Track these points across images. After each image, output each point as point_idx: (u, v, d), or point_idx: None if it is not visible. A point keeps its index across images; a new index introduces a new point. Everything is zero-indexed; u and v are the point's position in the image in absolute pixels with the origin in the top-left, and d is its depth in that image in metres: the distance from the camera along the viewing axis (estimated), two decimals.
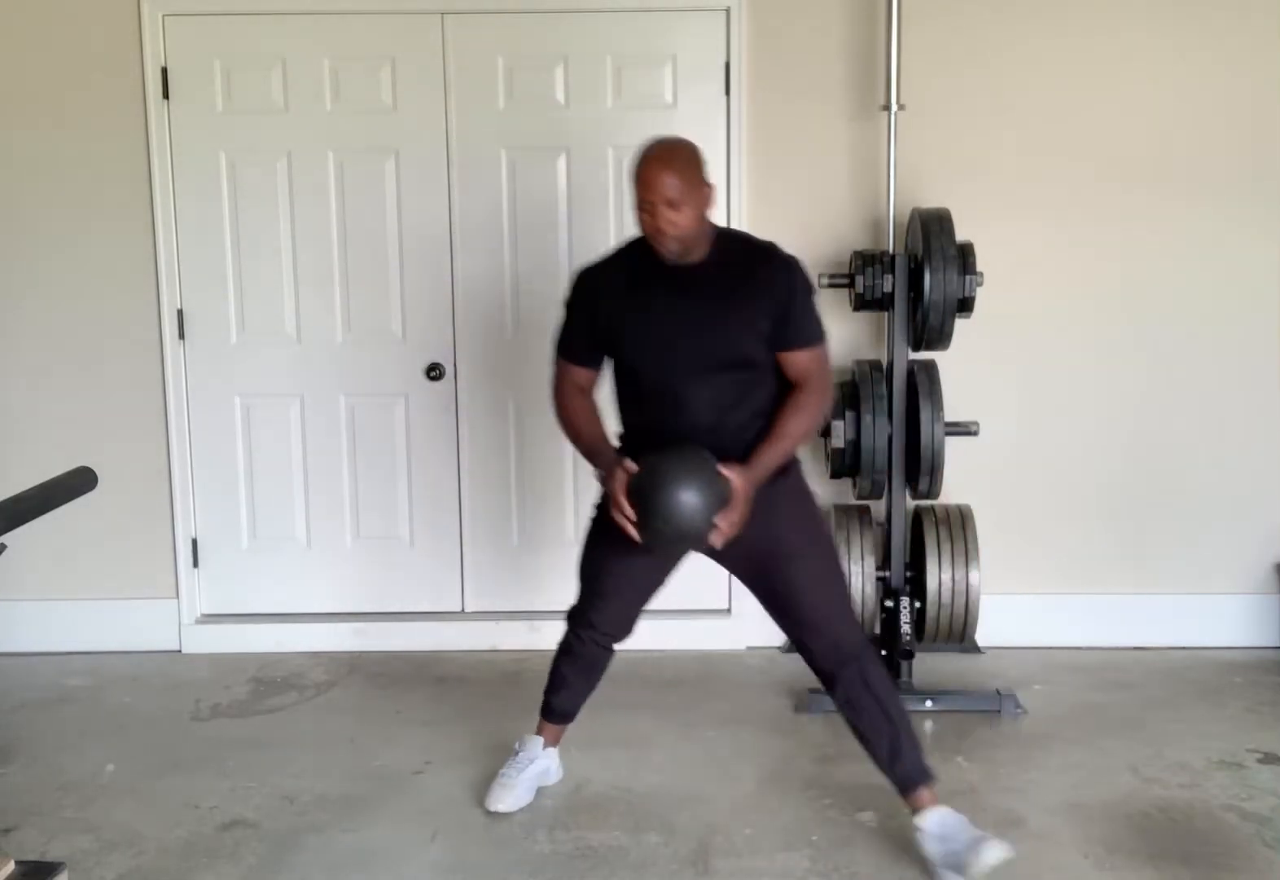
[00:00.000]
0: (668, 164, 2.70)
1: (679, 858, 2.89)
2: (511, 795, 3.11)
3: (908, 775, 2.85)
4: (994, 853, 2.68)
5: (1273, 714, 3.70)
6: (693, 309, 2.79)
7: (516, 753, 3.20)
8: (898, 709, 2.88)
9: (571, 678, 3.15)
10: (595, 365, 2.95)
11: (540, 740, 3.21)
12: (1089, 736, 3.53)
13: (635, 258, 2.87)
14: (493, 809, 3.09)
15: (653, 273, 2.82)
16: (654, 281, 2.82)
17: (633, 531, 2.72)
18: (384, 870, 2.86)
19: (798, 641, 2.93)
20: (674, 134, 2.86)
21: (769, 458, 2.77)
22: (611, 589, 3.02)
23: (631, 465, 2.75)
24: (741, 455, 2.77)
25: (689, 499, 2.62)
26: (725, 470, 2.69)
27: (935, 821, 2.79)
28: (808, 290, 2.86)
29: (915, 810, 2.82)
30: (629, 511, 2.71)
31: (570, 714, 3.22)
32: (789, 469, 2.90)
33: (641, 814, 3.10)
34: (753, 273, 2.81)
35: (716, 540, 2.71)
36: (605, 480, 2.84)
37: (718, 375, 2.80)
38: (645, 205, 2.71)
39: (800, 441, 2.88)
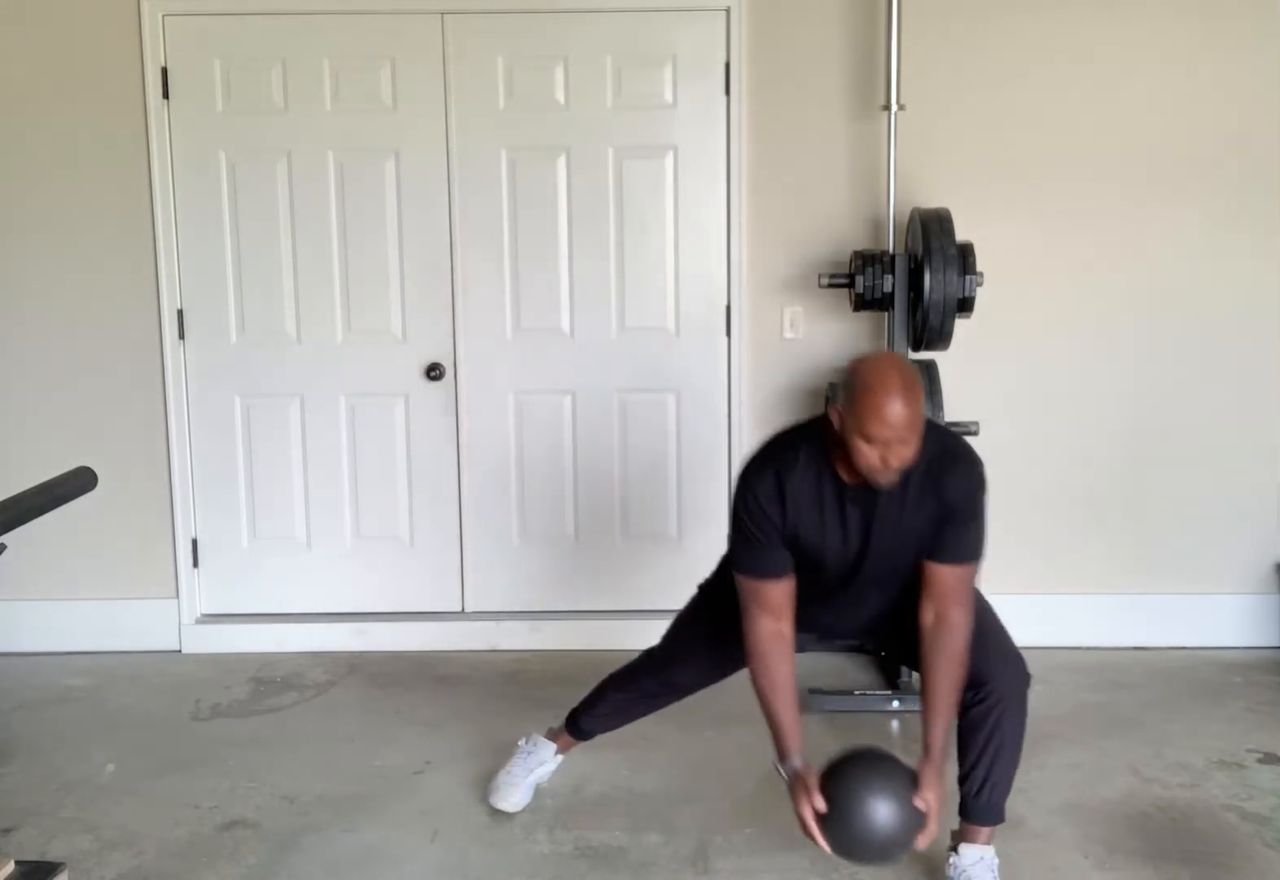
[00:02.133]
0: (907, 399, 2.38)
1: (679, 858, 2.89)
2: (517, 793, 3.09)
3: (981, 808, 2.72)
4: None
5: (1273, 714, 3.70)
6: (881, 526, 2.57)
7: (525, 751, 3.15)
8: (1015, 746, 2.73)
9: (619, 705, 3.07)
10: (790, 572, 2.62)
11: (554, 747, 3.15)
12: (1089, 736, 3.53)
13: (819, 468, 2.56)
14: (497, 807, 3.08)
15: (841, 486, 2.56)
16: (844, 496, 2.56)
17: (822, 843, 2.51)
18: (384, 870, 2.86)
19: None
20: (891, 359, 2.58)
21: (939, 737, 2.55)
22: (698, 658, 2.95)
23: (813, 781, 2.49)
24: (886, 624, 2.79)
25: (889, 834, 2.46)
26: (920, 801, 2.46)
27: (971, 859, 2.70)
28: (981, 503, 2.59)
29: (963, 841, 2.73)
30: (817, 837, 2.49)
31: (594, 734, 3.14)
32: None
33: (641, 814, 3.10)
34: (938, 483, 2.54)
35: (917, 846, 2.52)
36: (782, 772, 2.59)
37: (888, 582, 2.67)
38: (877, 442, 2.38)
39: (958, 694, 2.59)
